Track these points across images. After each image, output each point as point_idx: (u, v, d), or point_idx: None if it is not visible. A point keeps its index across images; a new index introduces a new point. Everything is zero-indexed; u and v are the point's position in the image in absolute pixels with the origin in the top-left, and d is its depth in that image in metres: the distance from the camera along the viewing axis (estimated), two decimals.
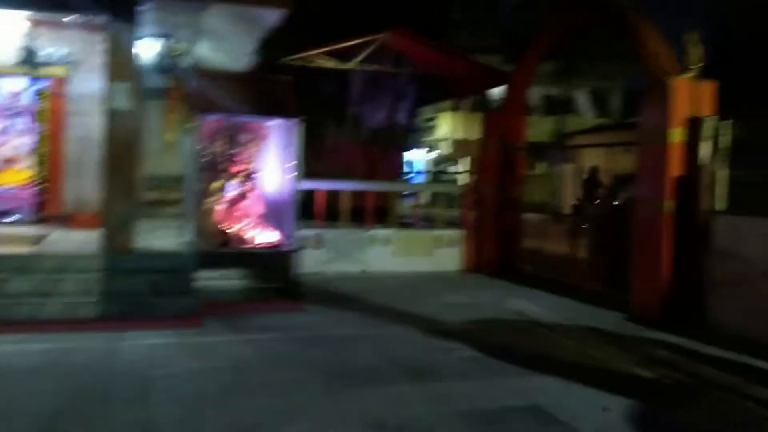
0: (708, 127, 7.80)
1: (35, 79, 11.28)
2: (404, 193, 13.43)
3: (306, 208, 12.51)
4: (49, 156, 11.42)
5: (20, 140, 11.85)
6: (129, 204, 8.61)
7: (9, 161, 12.34)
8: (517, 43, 16.75)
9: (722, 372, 6.16)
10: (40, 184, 11.51)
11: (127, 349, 6.45)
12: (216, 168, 10.27)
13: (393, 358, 6.33)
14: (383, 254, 11.39)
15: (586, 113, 30.73)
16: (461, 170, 32.01)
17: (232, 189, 10.08)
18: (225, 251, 9.32)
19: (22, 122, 11.74)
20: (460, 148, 31.64)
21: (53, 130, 11.37)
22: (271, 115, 10.01)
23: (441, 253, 11.73)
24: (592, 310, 8.79)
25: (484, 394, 5.42)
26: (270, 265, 9.76)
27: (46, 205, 11.49)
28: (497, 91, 30.81)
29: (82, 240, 8.89)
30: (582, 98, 31.20)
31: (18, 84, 11.75)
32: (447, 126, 31.71)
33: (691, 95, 7.94)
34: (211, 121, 10.08)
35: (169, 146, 10.29)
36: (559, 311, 8.66)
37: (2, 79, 11.60)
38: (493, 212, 11.53)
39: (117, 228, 8.54)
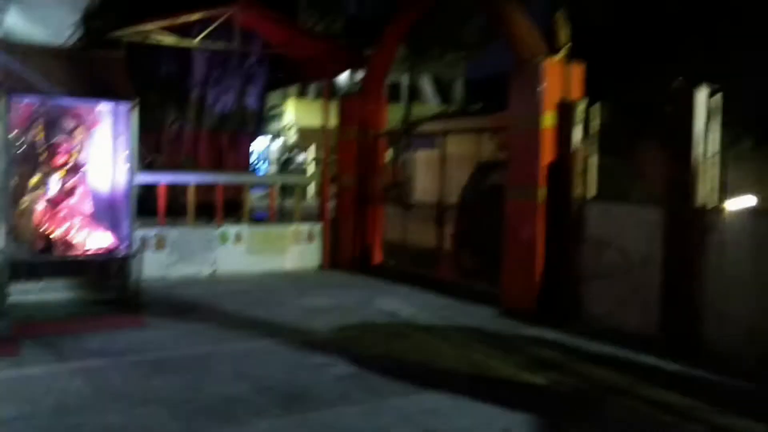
0: (579, 110, 7.55)
1: None
2: (254, 185, 12.40)
3: (145, 205, 11.10)
4: None
5: None
6: None
7: None
8: (365, 27, 16.19)
9: (612, 372, 5.84)
10: None
11: None
12: (33, 160, 8.70)
13: (258, 382, 5.41)
14: (235, 253, 10.33)
15: (430, 101, 30.97)
16: (309, 159, 31.28)
17: (54, 185, 8.55)
18: (47, 259, 7.87)
19: None
20: (307, 136, 30.80)
21: None
22: (98, 98, 8.60)
23: (298, 249, 10.86)
24: (463, 306, 8.35)
25: (370, 421, 4.66)
26: (103, 273, 8.43)
27: None
28: (344, 78, 30.33)
29: None
30: (427, 86, 31.41)
31: None
32: (292, 113, 30.70)
33: (561, 77, 7.64)
34: (24, 104, 8.52)
35: None
36: (431, 309, 8.12)
37: None
38: (352, 203, 10.83)
39: None
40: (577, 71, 7.79)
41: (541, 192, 7.63)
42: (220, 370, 5.72)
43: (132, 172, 8.48)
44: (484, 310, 8.03)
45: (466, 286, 9.04)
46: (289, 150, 31.56)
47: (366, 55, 10.64)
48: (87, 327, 7.15)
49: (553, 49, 7.71)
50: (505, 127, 8.32)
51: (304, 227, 10.99)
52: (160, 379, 5.45)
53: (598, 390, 5.46)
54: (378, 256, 10.81)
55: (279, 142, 32.10)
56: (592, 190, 7.57)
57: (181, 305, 8.20)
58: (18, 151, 8.56)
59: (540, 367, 5.95)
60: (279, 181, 12.79)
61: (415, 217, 10.69)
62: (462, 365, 6.05)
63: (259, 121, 12.76)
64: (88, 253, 8.17)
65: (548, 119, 7.61)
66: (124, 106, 8.51)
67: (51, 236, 8.06)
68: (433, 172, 10.34)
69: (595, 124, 7.59)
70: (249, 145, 12.80)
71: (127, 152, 8.50)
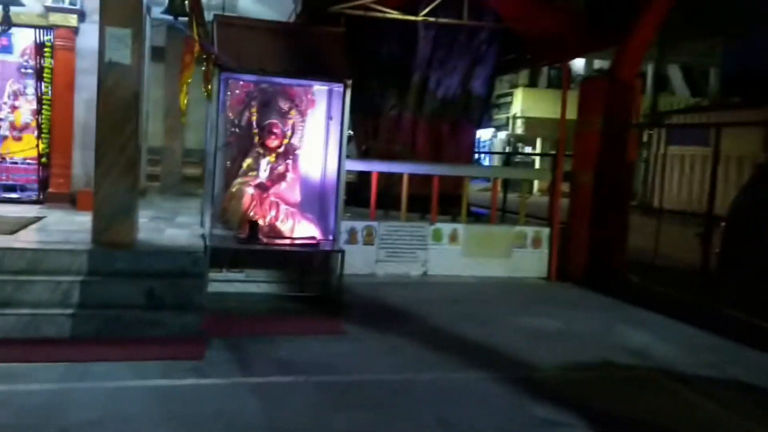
0: None
1: (42, 29, 9.49)
2: (474, 177, 11.16)
3: (356, 195, 10.42)
4: (55, 122, 9.63)
5: (32, 105, 10.16)
6: (127, 184, 6.68)
7: (19, 129, 10.70)
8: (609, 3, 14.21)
9: None
10: (45, 155, 9.78)
11: (78, 398, 4.47)
12: (247, 143, 8.25)
13: None
14: (448, 254, 9.20)
15: (679, 92, 27.57)
16: (537, 152, 29.44)
17: (264, 169, 8.02)
18: (252, 247, 7.30)
19: (33, 84, 10.04)
20: (534, 128, 29.07)
21: (59, 91, 9.56)
22: (314, 78, 7.88)
23: (521, 255, 9.45)
24: (739, 350, 6.40)
25: None
26: (307, 267, 7.72)
27: (51, 180, 9.75)
28: (579, 64, 27.98)
29: (84, 227, 7.00)
30: (675, 75, 28.00)
31: (28, 38, 10.02)
32: (519, 103, 29.06)
33: None
34: (241, 83, 8.07)
35: (183, 113, 8.28)
36: (693, 351, 6.30)
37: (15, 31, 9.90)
38: (589, 205, 9.16)
39: (111, 215, 6.65)
40: None
41: None
42: (417, 412, 4.56)
43: (342, 160, 7.68)
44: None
45: (741, 321, 7.02)
46: (513, 143, 30.04)
47: (616, 35, 8.87)
48: (281, 328, 6.42)
49: None
50: None
51: (530, 230, 9.54)
52: (344, 416, 4.42)
53: None
54: (619, 270, 9.04)
55: (503, 134, 30.68)
56: None
57: (384, 311, 7.23)
58: (232, 133, 8.19)
59: None
60: (504, 174, 11.36)
61: (666, 226, 8.76)
62: None
63: (485, 109, 11.45)
64: (294, 243, 7.51)
65: None
66: (339, 87, 7.74)
67: (258, 223, 7.49)
68: (690, 173, 8.33)
69: None
70: (472, 136, 11.55)
71: (339, 137, 7.72)
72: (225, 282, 7.47)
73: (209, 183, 7.50)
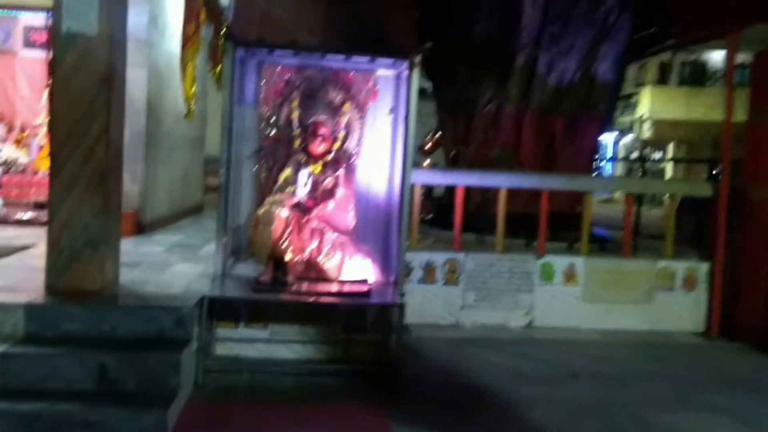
0: None
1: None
2: (601, 193, 8.45)
3: (444, 215, 8.06)
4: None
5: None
6: (95, 206, 4.72)
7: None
8: None
9: None
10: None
11: None
12: (285, 148, 6.16)
13: None
14: (563, 298, 6.68)
15: None
16: (669, 159, 25.80)
17: (305, 183, 5.85)
18: (272, 298, 5.13)
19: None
20: (664, 131, 25.66)
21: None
22: (364, 52, 5.67)
23: (667, 299, 6.78)
24: None
25: None
26: (355, 325, 5.44)
27: None
28: (718, 57, 24.20)
29: None
30: None
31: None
32: (647, 104, 25.67)
33: None
34: (279, 68, 6.02)
35: (189, 105, 6.19)
36: None
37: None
38: None
39: (72, 250, 4.70)
40: None
41: None
42: None
43: (407, 170, 5.38)
44: None
45: None
46: (641, 147, 26.62)
47: None
48: (304, 426, 4.19)
49: None
50: None
51: (680, 265, 6.82)
52: None
53: None
54: None
55: (628, 137, 27.34)
56: None
57: (463, 394, 4.83)
58: (266, 135, 6.12)
59: None
60: (646, 189, 8.52)
61: None
62: None
63: (614, 99, 8.69)
64: (334, 293, 5.26)
65: None
66: (401, 66, 5.49)
67: (284, 262, 5.30)
68: None
69: None
70: (595, 136, 8.78)
71: (404, 138, 5.46)
72: (242, 342, 5.32)
73: (222, 202, 5.40)
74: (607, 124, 9.04)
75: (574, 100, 8.19)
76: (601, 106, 8.36)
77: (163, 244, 7.10)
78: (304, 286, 5.22)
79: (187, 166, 9.77)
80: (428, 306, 6.51)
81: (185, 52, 5.87)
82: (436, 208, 9.54)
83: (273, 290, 5.08)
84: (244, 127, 6.22)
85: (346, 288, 5.23)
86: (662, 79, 26.81)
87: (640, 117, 25.73)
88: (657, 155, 26.13)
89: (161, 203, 8.23)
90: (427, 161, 9.67)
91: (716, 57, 27.60)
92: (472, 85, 8.43)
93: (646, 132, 26.13)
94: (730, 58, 7.11)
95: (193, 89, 6.01)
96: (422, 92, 6.00)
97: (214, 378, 4.76)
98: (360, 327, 5.41)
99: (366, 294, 5.07)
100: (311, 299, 5.06)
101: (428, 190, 10.21)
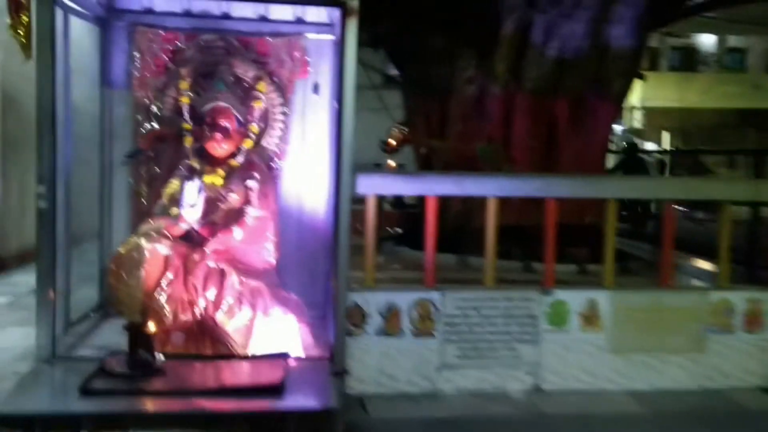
0: None
1: None
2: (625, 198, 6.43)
3: (416, 232, 6.11)
4: None
5: None
6: None
7: None
8: None
9: None
10: None
11: None
12: (172, 149, 4.28)
13: None
14: (581, 348, 4.76)
15: None
16: (659, 151, 24.26)
17: (195, 203, 3.88)
18: (142, 385, 3.16)
19: None
20: (655, 119, 24.19)
21: None
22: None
23: (723, 344, 4.89)
24: None
25: None
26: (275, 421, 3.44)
27: None
28: (709, 41, 22.85)
29: None
30: None
31: None
32: (639, 90, 24.15)
33: None
34: (161, 34, 4.25)
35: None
36: None
37: None
38: None
39: None
40: None
41: None
42: None
43: (343, 174, 3.49)
44: None
45: None
46: (629, 138, 25.06)
47: None
48: None
49: None
50: None
51: (739, 297, 4.93)
52: None
53: None
54: None
55: (618, 128, 25.83)
56: None
57: None
58: (145, 131, 4.31)
59: None
60: (687, 194, 6.14)
61: None
62: None
63: (631, 74, 6.71)
64: (225, 389, 3.29)
65: None
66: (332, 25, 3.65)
67: (147, 335, 3.31)
68: None
69: None
70: (609, 121, 6.72)
71: (336, 130, 3.60)
72: None
73: (44, 238, 3.41)
74: (621, 104, 7.11)
75: (580, 77, 6.17)
76: (617, 84, 6.40)
77: (10, 291, 5.09)
78: (182, 375, 3.25)
79: None
80: (391, 368, 4.59)
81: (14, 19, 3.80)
82: (407, 220, 7.64)
83: (123, 388, 3.11)
84: (112, 121, 4.36)
85: (249, 377, 3.28)
86: (652, 66, 25.35)
87: (630, 106, 24.22)
88: (649, 145, 24.56)
89: (30, 228, 6.22)
90: (392, 162, 7.79)
91: (708, 41, 26.15)
92: (446, 60, 6.46)
93: (637, 121, 24.68)
94: None
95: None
96: (389, 79, 4.15)
97: None
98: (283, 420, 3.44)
99: (277, 389, 3.09)
100: (184, 406, 3.05)
101: (397, 196, 8.35)
